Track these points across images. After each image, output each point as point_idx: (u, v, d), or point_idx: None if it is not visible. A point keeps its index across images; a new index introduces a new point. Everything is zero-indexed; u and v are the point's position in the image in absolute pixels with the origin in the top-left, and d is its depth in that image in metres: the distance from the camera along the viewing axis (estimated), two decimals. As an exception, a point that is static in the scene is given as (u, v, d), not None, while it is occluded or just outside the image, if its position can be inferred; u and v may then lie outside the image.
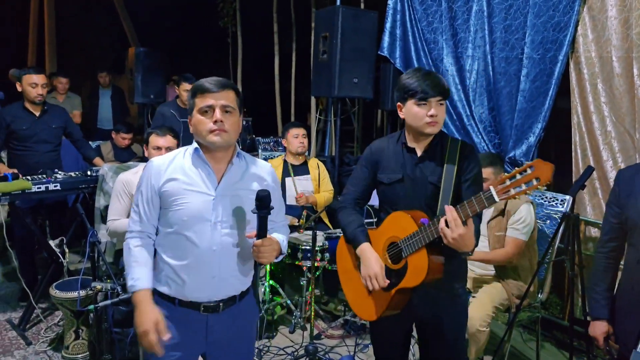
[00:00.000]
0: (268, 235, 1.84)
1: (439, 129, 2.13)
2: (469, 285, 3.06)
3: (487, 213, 3.10)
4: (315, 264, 3.56)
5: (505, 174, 1.78)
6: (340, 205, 2.37)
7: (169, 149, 3.10)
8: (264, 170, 2.00)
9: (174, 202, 1.83)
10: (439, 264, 2.03)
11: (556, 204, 3.41)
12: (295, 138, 4.21)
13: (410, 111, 2.10)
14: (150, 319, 1.78)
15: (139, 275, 1.84)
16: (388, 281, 2.11)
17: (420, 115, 2.07)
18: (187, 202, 1.82)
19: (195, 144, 1.89)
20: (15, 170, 3.65)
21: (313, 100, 6.43)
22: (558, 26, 3.52)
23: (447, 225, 1.88)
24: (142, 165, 3.42)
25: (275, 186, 2.01)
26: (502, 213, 3.08)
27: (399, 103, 2.17)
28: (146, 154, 3.29)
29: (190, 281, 1.84)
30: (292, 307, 3.79)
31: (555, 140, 4.15)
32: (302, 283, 3.69)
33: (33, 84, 3.89)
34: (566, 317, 3.68)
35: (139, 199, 1.90)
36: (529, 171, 1.70)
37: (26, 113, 3.98)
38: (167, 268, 1.86)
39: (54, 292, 3.20)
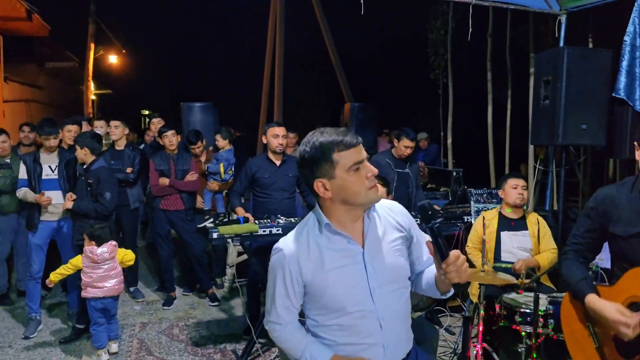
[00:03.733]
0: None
1: None
2: None
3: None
4: (538, 330, 3.16)
5: None
6: (562, 258, 2.19)
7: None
8: (397, 212, 1.81)
9: (325, 287, 1.66)
10: None
11: None
12: (514, 189, 3.89)
13: None
14: None
15: (316, 352, 1.71)
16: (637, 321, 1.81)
17: None
18: (338, 283, 1.65)
19: (324, 219, 1.67)
20: (249, 215, 4.05)
21: (531, 149, 5.97)
22: None
23: None
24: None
25: (412, 226, 1.80)
26: None
27: (636, 143, 1.97)
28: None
29: (364, 355, 1.69)
30: (508, 377, 3.40)
31: None
32: (519, 350, 3.29)
33: (275, 135, 4.33)
34: None
35: (281, 291, 1.72)
36: None
37: (268, 163, 4.42)
38: (336, 347, 1.72)
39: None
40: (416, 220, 1.89)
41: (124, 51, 17.06)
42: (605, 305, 1.90)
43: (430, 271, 1.79)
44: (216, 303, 5.17)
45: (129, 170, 5.16)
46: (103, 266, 3.88)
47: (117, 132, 5.27)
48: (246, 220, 3.94)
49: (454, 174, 5.52)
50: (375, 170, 1.64)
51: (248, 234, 3.83)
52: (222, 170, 5.45)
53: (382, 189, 3.25)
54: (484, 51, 6.85)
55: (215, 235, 3.73)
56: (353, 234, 1.68)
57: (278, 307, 1.74)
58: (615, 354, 1.92)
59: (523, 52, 6.26)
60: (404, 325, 1.78)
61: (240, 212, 4.16)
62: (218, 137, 5.72)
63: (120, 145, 5.30)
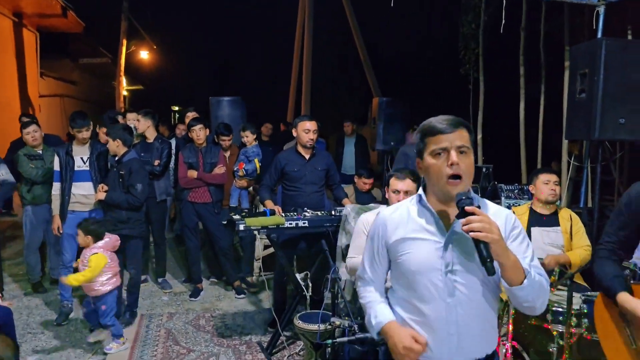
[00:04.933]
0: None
1: None
2: None
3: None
4: (570, 330, 3.07)
5: None
6: (596, 256, 2.15)
7: (407, 193, 3.07)
8: (500, 216, 1.73)
9: (401, 253, 1.75)
10: None
11: None
12: (546, 185, 3.78)
13: None
14: (405, 335, 1.72)
15: (380, 312, 1.83)
16: None
17: None
18: (413, 251, 1.73)
19: (420, 192, 1.78)
20: (278, 208, 4.05)
21: (565, 145, 5.81)
22: None
23: None
24: (382, 206, 3.46)
25: (510, 235, 1.72)
26: None
27: None
28: (387, 196, 3.33)
29: (427, 338, 1.71)
30: (538, 377, 3.32)
31: None
32: (551, 350, 3.20)
33: (306, 130, 4.32)
34: None
35: (369, 249, 1.89)
36: None
37: (298, 156, 4.41)
38: (403, 323, 1.79)
39: (297, 322, 3.38)
40: None
41: (155, 47, 17.31)
42: (636, 305, 1.84)
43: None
44: (242, 295, 5.19)
45: (156, 162, 5.22)
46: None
47: (139, 125, 5.33)
48: (273, 212, 3.93)
49: (484, 170, 5.40)
50: (456, 160, 1.62)
51: (274, 226, 3.82)
52: (258, 165, 5.42)
53: (412, 184, 3.19)
54: (517, 45, 6.70)
55: (242, 227, 3.74)
56: (443, 217, 1.72)
57: (366, 263, 1.92)
58: None
59: (557, 46, 6.10)
60: (482, 322, 1.73)
61: (270, 204, 4.17)
62: (247, 133, 5.58)
63: (150, 138, 5.36)
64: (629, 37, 5.14)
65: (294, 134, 4.41)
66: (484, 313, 1.72)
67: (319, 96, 9.97)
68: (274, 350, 3.97)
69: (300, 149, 4.38)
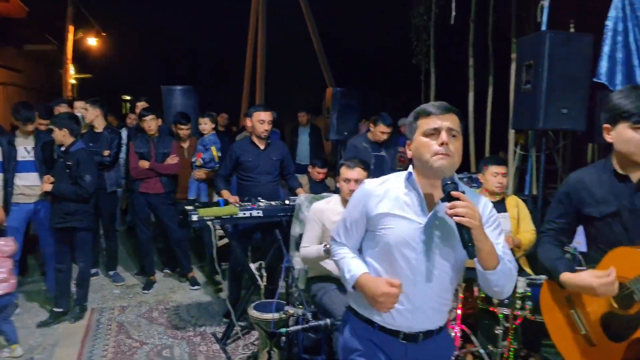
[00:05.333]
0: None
1: None
2: None
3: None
4: (515, 312, 3.20)
5: None
6: (539, 242, 2.20)
7: (358, 182, 3.12)
8: (477, 203, 1.80)
9: (381, 228, 1.81)
10: None
11: None
12: (494, 177, 3.89)
13: (623, 136, 1.86)
14: (381, 282, 1.76)
15: (354, 266, 1.87)
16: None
17: (636, 141, 1.82)
18: (394, 227, 1.78)
19: (409, 169, 1.84)
20: (235, 198, 4.03)
21: (511, 134, 6.01)
22: None
23: None
24: (334, 196, 3.50)
25: (486, 221, 1.79)
26: None
27: (606, 125, 1.93)
28: (338, 185, 3.37)
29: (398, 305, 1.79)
30: (486, 358, 3.44)
31: None
32: (497, 332, 3.33)
33: (261, 120, 4.28)
34: None
35: (347, 217, 1.94)
36: None
37: (253, 146, 4.38)
38: None
39: (252, 311, 3.39)
40: None
41: (103, 34, 16.71)
42: (580, 275, 1.88)
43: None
44: (197, 287, 5.15)
45: (106, 153, 5.08)
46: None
47: (87, 114, 5.16)
48: (227, 202, 3.91)
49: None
50: (446, 140, 1.69)
51: (228, 216, 3.80)
52: (215, 153, 5.32)
53: (362, 173, 3.24)
54: (467, 37, 6.85)
55: (194, 218, 3.69)
56: (428, 198, 1.79)
57: (341, 229, 1.97)
58: (604, 339, 1.90)
59: (505, 38, 6.28)
60: (440, 299, 1.83)
61: (226, 194, 4.14)
62: (206, 120, 5.46)
63: (99, 128, 5.20)
64: (572, 30, 5.34)
65: (248, 124, 4.39)
66: (445, 292, 1.83)
67: (273, 86, 9.91)
68: (228, 341, 3.96)
69: (255, 139, 4.35)
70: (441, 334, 1.90)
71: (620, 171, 1.93)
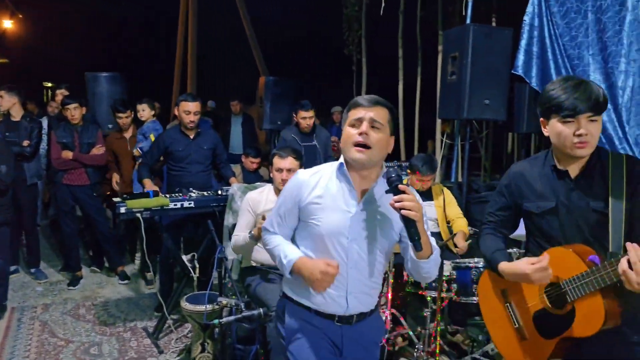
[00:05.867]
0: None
1: (591, 149, 1.81)
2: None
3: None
4: (442, 295, 3.34)
5: None
6: (480, 234, 2.19)
7: (290, 171, 3.14)
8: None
9: (314, 217, 1.84)
10: (616, 311, 1.73)
11: None
12: (418, 182, 3.96)
13: (555, 130, 1.81)
14: (319, 262, 1.78)
15: (289, 251, 1.89)
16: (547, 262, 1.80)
17: (565, 134, 1.77)
18: (326, 217, 1.82)
19: (341, 159, 1.87)
20: (156, 188, 3.92)
21: (438, 123, 6.23)
22: None
23: (630, 267, 1.59)
24: (267, 185, 3.49)
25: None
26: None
27: (542, 119, 1.88)
28: (271, 175, 3.37)
29: (325, 293, 1.85)
30: (415, 340, 3.58)
31: None
32: (425, 314, 3.47)
33: (187, 111, 4.17)
34: None
35: (280, 207, 1.96)
36: None
37: (182, 136, 4.27)
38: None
39: (184, 304, 3.34)
40: None
41: (20, 16, 15.67)
42: (516, 264, 1.89)
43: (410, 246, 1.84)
44: (126, 281, 4.99)
45: (25, 143, 4.79)
46: None
47: (2, 102, 4.83)
48: (156, 194, 3.80)
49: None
50: (365, 130, 1.73)
51: (158, 207, 3.70)
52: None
53: (295, 162, 3.26)
54: (396, 29, 7.00)
55: (122, 210, 3.57)
56: (357, 187, 1.84)
57: (274, 219, 1.98)
58: (535, 335, 1.93)
59: (432, 30, 6.47)
60: (371, 284, 1.90)
61: (149, 184, 4.04)
62: (144, 107, 5.14)
63: (16, 116, 4.89)
64: (494, 24, 5.60)
65: (176, 113, 4.28)
66: (375, 277, 1.91)
67: (205, 74, 9.70)
68: (160, 335, 3.88)
69: (184, 128, 4.26)
70: (373, 316, 1.98)
71: (559, 166, 1.90)
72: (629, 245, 1.61)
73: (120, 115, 5.04)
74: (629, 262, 1.59)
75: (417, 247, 1.68)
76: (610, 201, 1.79)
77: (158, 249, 4.51)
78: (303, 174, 1.93)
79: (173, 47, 9.74)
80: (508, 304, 2.02)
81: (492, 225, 2.15)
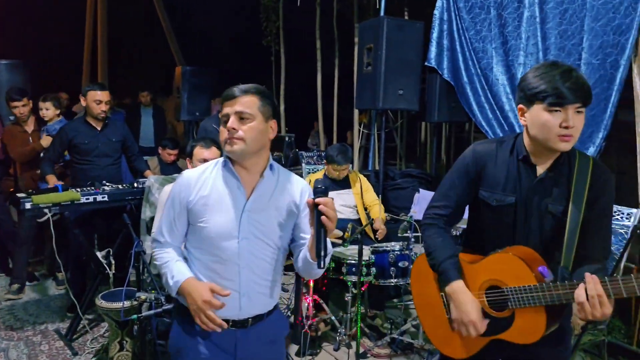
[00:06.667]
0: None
1: (573, 144, 1.65)
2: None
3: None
4: (361, 279, 3.45)
5: None
6: (427, 222, 1.93)
7: (214, 161, 3.09)
8: (296, 187, 1.85)
9: (202, 219, 1.76)
10: (556, 321, 1.69)
11: (622, 217, 3.19)
12: (334, 171, 4.09)
13: (538, 118, 1.63)
14: (204, 288, 1.70)
15: (177, 270, 1.79)
16: (485, 328, 1.75)
17: (550, 124, 1.60)
18: (214, 219, 1.74)
19: (225, 156, 1.82)
20: (61, 183, 3.72)
21: (356, 114, 6.37)
22: (619, 29, 3.34)
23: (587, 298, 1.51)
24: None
25: (305, 207, 1.83)
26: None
27: (520, 105, 1.71)
28: (190, 167, 3.29)
29: (217, 297, 1.73)
30: (337, 324, 3.67)
31: (617, 150, 3.93)
32: (346, 299, 3.57)
33: (97, 101, 3.97)
34: (634, 342, 3.42)
35: (169, 211, 1.84)
36: None
37: (88, 127, 4.06)
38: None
39: (99, 302, 3.20)
40: None
41: None
42: (468, 300, 1.74)
43: (306, 248, 1.79)
44: (35, 282, 4.70)
45: None
46: None
47: None
48: (65, 188, 3.60)
49: (287, 138, 5.66)
50: (231, 125, 1.69)
51: (69, 202, 3.51)
52: None
53: (217, 152, 3.21)
54: (314, 20, 7.05)
55: (28, 206, 3.35)
56: (245, 183, 1.77)
57: (164, 226, 1.85)
58: None
59: (348, 22, 6.59)
60: (267, 283, 1.83)
61: (52, 180, 3.82)
62: (48, 105, 4.63)
63: None
64: (406, 17, 5.80)
65: (83, 104, 4.07)
66: (269, 275, 1.83)
67: (117, 63, 9.26)
68: (74, 336, 3.70)
69: (90, 120, 4.06)
70: (271, 316, 1.90)
71: (531, 159, 1.73)
72: (587, 277, 1.52)
73: (16, 104, 4.50)
74: (586, 291, 1.51)
75: (321, 264, 1.60)
76: (570, 208, 1.68)
77: (68, 246, 4.28)
78: (189, 173, 1.83)
79: (82, 34, 9.21)
80: (443, 293, 1.86)
81: (444, 218, 1.89)
